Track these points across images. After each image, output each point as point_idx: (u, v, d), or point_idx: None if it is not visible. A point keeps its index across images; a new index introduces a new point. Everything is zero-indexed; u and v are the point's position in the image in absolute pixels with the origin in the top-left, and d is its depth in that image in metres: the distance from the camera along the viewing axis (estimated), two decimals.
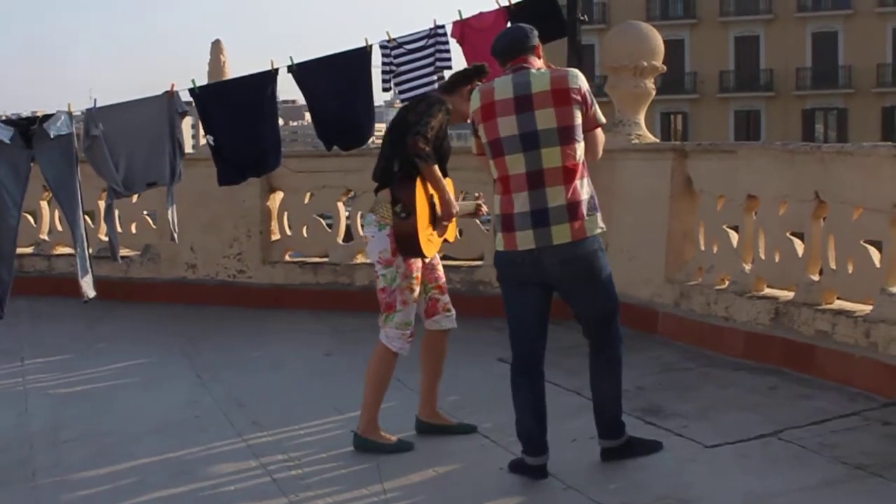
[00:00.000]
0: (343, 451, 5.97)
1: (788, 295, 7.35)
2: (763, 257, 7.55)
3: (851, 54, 51.58)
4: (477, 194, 6.75)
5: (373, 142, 8.49)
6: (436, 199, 5.81)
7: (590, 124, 5.25)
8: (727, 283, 7.85)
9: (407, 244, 5.73)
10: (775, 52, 52.93)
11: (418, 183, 5.70)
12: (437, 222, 5.84)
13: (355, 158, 9.55)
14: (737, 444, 5.76)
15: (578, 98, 5.18)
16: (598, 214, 5.27)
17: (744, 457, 5.60)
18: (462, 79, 5.96)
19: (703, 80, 53.80)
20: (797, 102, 52.93)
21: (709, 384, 7.03)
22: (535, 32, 5.42)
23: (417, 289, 5.91)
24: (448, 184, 5.94)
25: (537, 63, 5.32)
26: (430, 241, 5.82)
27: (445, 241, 6.10)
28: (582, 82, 5.24)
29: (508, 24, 7.82)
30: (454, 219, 5.99)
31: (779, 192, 7.33)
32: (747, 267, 7.68)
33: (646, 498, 5.12)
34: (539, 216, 5.15)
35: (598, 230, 5.25)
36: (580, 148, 5.20)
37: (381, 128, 8.04)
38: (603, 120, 5.36)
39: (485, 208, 6.50)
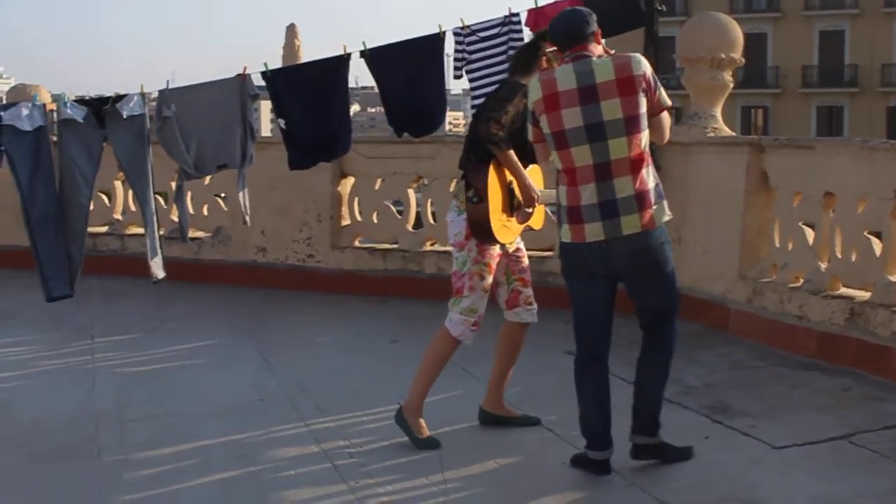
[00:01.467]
0: (404, 439, 5.92)
1: (864, 295, 7.16)
2: (839, 256, 7.38)
3: None
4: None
5: (448, 130, 8.45)
6: (514, 186, 5.72)
7: (655, 109, 5.13)
8: (801, 281, 7.68)
9: (479, 229, 5.64)
10: (860, 48, 52.09)
11: (492, 168, 5.61)
12: (515, 208, 5.74)
13: (427, 146, 9.52)
14: (806, 446, 5.64)
15: (644, 85, 5.06)
16: (665, 202, 5.17)
17: (812, 459, 5.47)
18: (534, 54, 5.80)
19: (785, 74, 53.08)
20: (882, 99, 52.04)
21: (779, 384, 6.88)
22: (594, 17, 5.25)
23: (489, 277, 5.83)
24: (535, 171, 5.86)
25: (597, 50, 5.18)
26: (505, 228, 5.71)
27: (529, 228, 6.01)
28: (646, 67, 5.12)
29: None
30: (540, 206, 5.91)
31: (858, 190, 7.15)
32: (823, 265, 7.50)
33: (709, 497, 5.03)
34: (607, 207, 5.05)
35: (666, 218, 5.16)
36: (646, 136, 5.10)
37: (457, 116, 7.98)
38: (668, 103, 5.21)
39: None
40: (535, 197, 5.75)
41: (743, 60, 8.95)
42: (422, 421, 5.90)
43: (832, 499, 4.98)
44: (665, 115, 5.23)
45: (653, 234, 5.11)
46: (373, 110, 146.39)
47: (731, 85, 8.99)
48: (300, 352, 8.09)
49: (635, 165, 5.06)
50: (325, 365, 7.74)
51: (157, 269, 7.13)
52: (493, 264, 5.83)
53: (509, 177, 5.69)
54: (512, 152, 5.56)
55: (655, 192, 5.13)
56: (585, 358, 5.42)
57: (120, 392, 7.12)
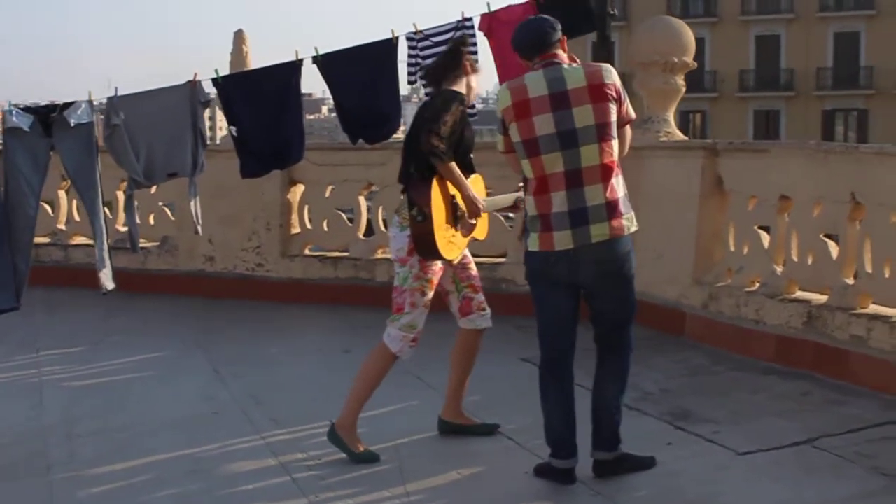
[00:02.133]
0: None
1: (821, 298, 7.16)
2: (795, 259, 7.37)
3: (873, 55, 51.21)
4: (520, 184, 6.50)
5: (399, 136, 8.33)
6: (458, 198, 5.63)
7: (622, 120, 5.11)
8: (757, 285, 7.67)
9: (424, 248, 5.54)
10: (796, 52, 52.63)
11: (435, 183, 5.50)
12: (459, 221, 5.65)
13: (378, 152, 9.40)
14: (770, 452, 5.60)
15: (613, 94, 5.04)
16: (632, 214, 5.15)
17: (777, 465, 5.44)
18: (457, 60, 5.74)
19: (722, 78, 53.51)
20: (817, 103, 52.61)
21: (739, 389, 6.85)
22: (559, 25, 5.23)
23: (430, 293, 5.74)
24: (476, 180, 5.80)
25: (564, 58, 5.17)
26: (451, 244, 5.61)
27: (475, 239, 5.93)
28: (616, 77, 5.12)
29: None
30: (485, 215, 5.84)
31: (813, 193, 7.15)
32: (779, 269, 7.50)
33: None
34: (577, 215, 5.01)
35: (634, 228, 5.14)
36: (616, 145, 5.08)
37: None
38: (633, 115, 5.22)
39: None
40: (480, 207, 5.69)
41: (695, 64, 8.95)
42: (355, 435, 5.79)
43: None
44: (628, 129, 5.22)
45: (619, 242, 5.08)
46: (311, 117, 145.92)
47: (684, 89, 8.98)
48: (252, 363, 7.95)
49: (606, 173, 5.03)
50: (278, 376, 7.61)
51: (107, 281, 7.00)
52: (435, 280, 5.75)
53: (452, 189, 5.60)
54: (454, 164, 5.49)
55: (624, 201, 5.10)
56: (550, 365, 5.36)
57: (67, 406, 6.95)
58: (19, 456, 6.04)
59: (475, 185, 5.77)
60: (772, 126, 53.15)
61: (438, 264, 5.71)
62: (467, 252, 5.96)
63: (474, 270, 6.00)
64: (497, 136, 5.24)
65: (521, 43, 5.24)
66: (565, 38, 5.25)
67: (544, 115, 5.01)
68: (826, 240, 7.19)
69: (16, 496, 5.47)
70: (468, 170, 5.70)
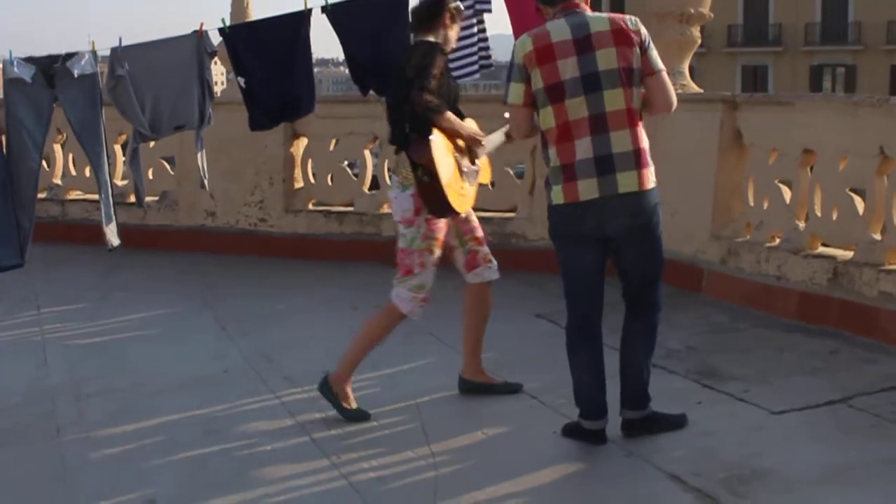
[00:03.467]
0: (383, 410, 5.71)
1: (847, 255, 7.00)
2: (819, 214, 7.21)
3: (861, 10, 50.92)
4: (507, 115, 6.29)
5: None
6: (460, 144, 5.49)
7: (649, 69, 4.89)
8: (778, 240, 7.51)
9: (437, 205, 5.38)
10: (784, 7, 52.34)
11: (435, 139, 5.32)
12: (464, 172, 5.49)
13: (384, 105, 9.16)
14: (804, 411, 5.46)
15: (637, 40, 4.86)
16: (653, 167, 4.96)
17: (814, 425, 5.30)
18: (437, 10, 5.58)
19: (710, 34, 53.09)
20: (805, 58, 52.38)
21: (764, 346, 6.70)
22: None
23: (438, 250, 5.60)
24: (470, 122, 5.65)
25: (586, 6, 5.02)
26: (461, 196, 5.46)
27: (482, 185, 5.80)
28: (641, 26, 4.94)
29: None
30: (486, 160, 5.75)
31: (839, 147, 6.98)
32: (801, 224, 7.34)
33: (716, 467, 4.80)
34: (603, 163, 4.82)
35: (654, 183, 4.96)
36: (637, 94, 4.88)
37: None
38: (661, 65, 4.96)
39: None
40: (480, 144, 5.57)
41: (711, 16, 8.73)
42: (349, 391, 5.68)
43: (842, 466, 4.79)
44: (664, 77, 4.97)
45: (649, 194, 4.91)
46: (317, 69, 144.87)
47: (699, 41, 8.78)
48: (259, 320, 7.78)
49: (633, 119, 4.86)
50: (287, 334, 7.44)
51: (112, 237, 6.83)
52: (442, 237, 5.61)
53: (451, 142, 5.44)
54: (449, 113, 5.36)
55: (648, 153, 4.94)
56: (577, 324, 5.18)
57: (73, 365, 6.79)
58: (29, 416, 5.89)
59: (472, 126, 5.65)
60: (759, 82, 52.92)
61: (443, 221, 5.56)
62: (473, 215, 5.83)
63: (476, 222, 5.84)
64: (512, 85, 4.99)
65: None
66: None
67: (569, 58, 4.84)
68: (852, 195, 7.02)
69: (28, 459, 5.31)
70: (458, 115, 5.57)
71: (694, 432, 5.22)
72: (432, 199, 5.36)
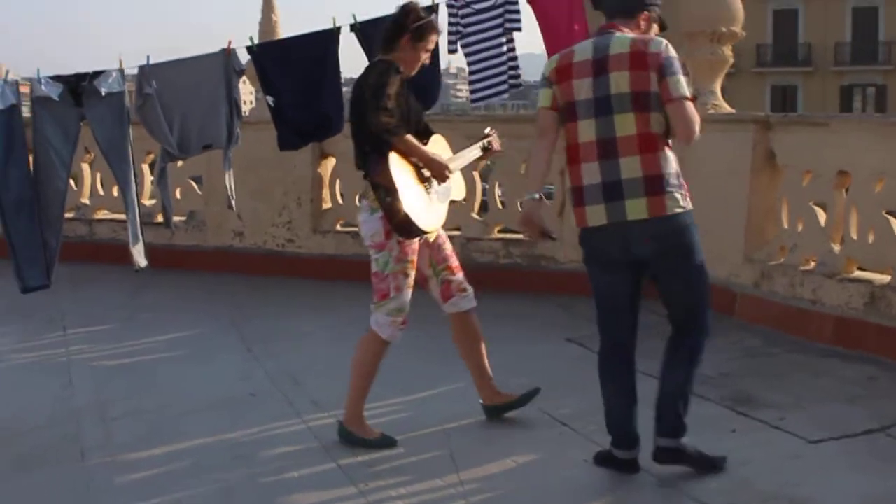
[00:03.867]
0: (411, 436, 5.60)
1: (884, 279, 6.88)
2: (855, 237, 7.09)
3: (892, 30, 50.69)
4: (487, 130, 6.13)
5: (446, 105, 8.04)
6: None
7: (667, 96, 4.62)
8: (813, 264, 7.39)
9: (402, 227, 5.27)
10: (814, 27, 52.11)
11: (393, 157, 5.21)
12: (431, 188, 5.41)
13: None
14: (842, 440, 5.34)
15: (655, 64, 4.63)
16: (683, 192, 4.72)
17: (852, 454, 5.17)
18: (397, 31, 5.45)
19: (739, 53, 52.41)
20: (835, 78, 52.11)
21: (799, 372, 6.58)
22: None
23: (413, 272, 5.50)
24: (438, 140, 5.60)
25: (630, 31, 4.82)
26: (428, 214, 5.38)
27: (454, 202, 5.76)
28: (664, 49, 4.68)
29: None
30: (459, 175, 5.67)
31: (875, 169, 6.86)
32: (836, 247, 7.22)
33: (752, 498, 4.69)
34: (612, 188, 4.68)
35: (681, 208, 4.69)
36: (657, 118, 4.66)
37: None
38: (685, 92, 4.64)
39: (496, 143, 6.01)
40: (446, 169, 5.41)
41: (744, 34, 8.63)
42: (366, 423, 5.58)
43: (882, 496, 4.68)
44: (683, 106, 4.63)
45: (672, 218, 4.69)
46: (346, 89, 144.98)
47: (731, 60, 8.68)
48: (286, 342, 7.72)
49: (645, 145, 4.66)
50: (315, 356, 7.36)
51: (139, 257, 6.81)
52: (415, 258, 5.50)
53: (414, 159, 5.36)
54: (408, 136, 5.26)
55: (669, 178, 4.69)
56: (609, 350, 5.06)
57: (98, 387, 6.72)
58: (53, 438, 5.81)
59: (437, 145, 5.58)
60: (789, 102, 52.66)
61: (415, 243, 5.46)
62: (441, 231, 5.71)
63: (450, 250, 5.73)
64: (541, 90, 4.90)
65: (605, 3, 4.98)
66: (651, 14, 4.90)
67: (585, 79, 4.75)
68: (889, 217, 6.89)
69: (52, 483, 5.22)
70: (424, 134, 5.51)
71: (729, 461, 5.09)
72: (397, 219, 5.25)
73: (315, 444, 5.56)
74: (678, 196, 4.70)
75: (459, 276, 5.72)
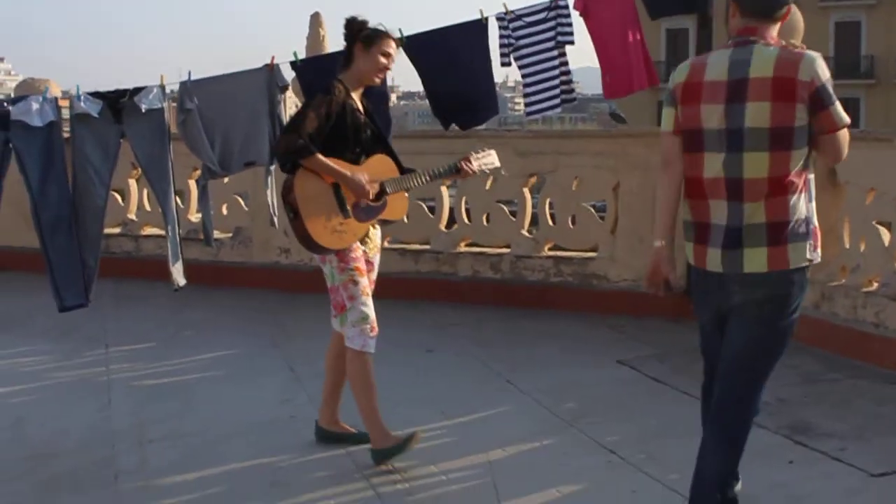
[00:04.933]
0: (452, 463, 5.44)
1: None
2: None
3: None
4: (473, 153, 5.88)
5: (504, 118, 7.87)
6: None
7: (825, 127, 3.99)
8: (876, 285, 7.11)
9: (305, 242, 5.38)
10: (877, 38, 51.50)
11: (299, 176, 5.30)
12: (350, 208, 5.37)
13: (462, 140, 8.91)
14: None
15: (806, 94, 3.91)
16: (811, 242, 4.07)
17: None
18: (348, 43, 5.52)
19: None
20: None
21: (862, 399, 6.31)
22: None
23: (364, 278, 5.52)
24: (380, 160, 5.53)
25: (772, 37, 4.08)
26: (338, 233, 5.35)
27: (387, 222, 5.73)
28: (820, 72, 3.94)
29: None
30: (401, 196, 5.60)
31: None
32: None
33: None
34: (732, 235, 4.03)
35: (806, 262, 4.06)
36: (800, 156, 3.99)
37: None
38: (846, 119, 4.04)
39: (472, 167, 5.76)
40: (362, 188, 5.34)
41: (804, 47, 8.33)
42: (390, 434, 5.53)
43: None
44: (842, 134, 4.07)
45: (786, 275, 4.03)
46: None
47: None
48: None
49: (775, 189, 3.97)
50: None
51: (179, 276, 6.68)
52: (361, 265, 5.52)
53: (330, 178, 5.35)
54: (319, 156, 5.25)
55: (798, 226, 4.03)
56: (705, 389, 4.49)
57: (137, 408, 6.59)
58: (87, 462, 5.67)
59: (377, 165, 5.51)
60: (851, 115, 51.30)
61: (357, 251, 5.49)
62: (377, 259, 5.78)
63: (373, 277, 5.73)
64: (664, 110, 4.25)
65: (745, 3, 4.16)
66: (790, 13, 4.20)
67: (716, 105, 4.05)
68: None
69: None
70: (363, 151, 5.47)
71: (785, 495, 4.86)
72: (299, 235, 5.36)
73: (356, 473, 5.41)
74: (807, 245, 4.07)
75: None
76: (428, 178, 5.69)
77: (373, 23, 5.53)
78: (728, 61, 4.05)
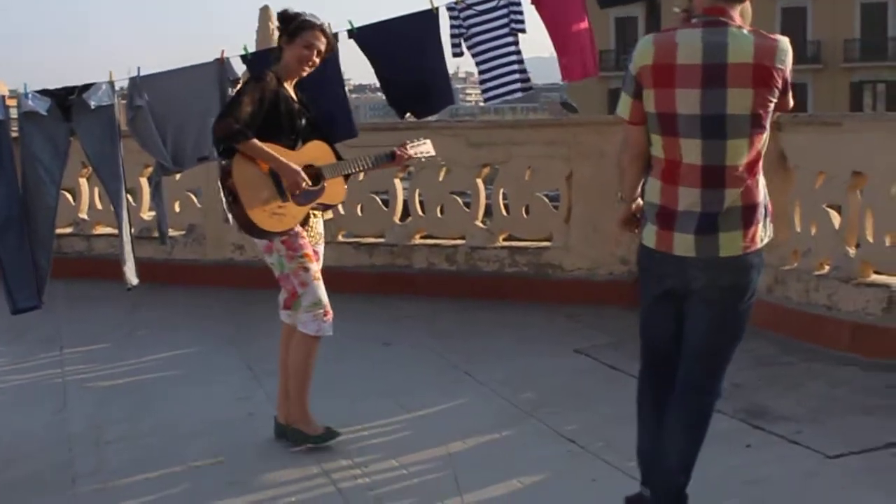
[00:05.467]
0: (412, 456, 5.43)
1: None
2: (871, 240, 6.88)
3: None
4: (409, 141, 6.01)
5: (455, 109, 7.87)
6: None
7: (779, 108, 4.04)
8: (828, 268, 7.18)
9: (246, 227, 5.39)
10: (822, 23, 51.95)
11: (236, 161, 5.31)
12: (288, 192, 5.39)
13: (413, 132, 8.90)
14: (863, 454, 5.13)
15: (779, 83, 3.94)
16: (769, 220, 4.15)
17: (873, 470, 4.97)
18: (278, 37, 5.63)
19: None
20: (845, 75, 51.92)
21: (816, 381, 6.37)
22: None
23: (314, 264, 5.57)
24: (316, 146, 5.60)
25: (738, 18, 4.00)
26: (277, 216, 5.37)
27: (326, 206, 5.77)
28: (789, 59, 3.97)
29: None
30: (339, 181, 5.66)
31: (892, 169, 6.66)
32: (851, 251, 7.00)
33: None
34: (707, 221, 3.99)
35: (768, 239, 4.15)
36: (765, 138, 4.04)
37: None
38: (791, 102, 4.09)
39: (410, 153, 5.88)
40: (297, 175, 5.35)
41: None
42: (314, 421, 5.67)
43: None
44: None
45: (749, 257, 4.08)
46: (355, 96, 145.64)
47: None
48: None
49: (749, 172, 4.00)
50: (316, 373, 7.07)
51: (131, 275, 6.63)
52: (309, 251, 5.56)
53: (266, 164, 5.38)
54: (255, 141, 5.27)
55: (764, 205, 4.10)
56: (646, 370, 4.50)
57: (94, 409, 6.52)
58: (43, 465, 5.61)
59: (314, 151, 5.58)
60: (799, 99, 52.37)
61: (302, 236, 5.52)
62: (322, 247, 5.78)
63: (319, 264, 5.73)
64: (622, 96, 4.14)
65: None
66: None
67: (691, 90, 3.94)
68: None
69: None
70: (299, 138, 5.53)
71: (743, 479, 4.90)
72: (239, 220, 5.37)
73: (315, 467, 5.38)
74: (768, 222, 4.15)
75: None
76: (365, 164, 5.74)
77: (308, 16, 5.57)
78: (701, 43, 3.95)
